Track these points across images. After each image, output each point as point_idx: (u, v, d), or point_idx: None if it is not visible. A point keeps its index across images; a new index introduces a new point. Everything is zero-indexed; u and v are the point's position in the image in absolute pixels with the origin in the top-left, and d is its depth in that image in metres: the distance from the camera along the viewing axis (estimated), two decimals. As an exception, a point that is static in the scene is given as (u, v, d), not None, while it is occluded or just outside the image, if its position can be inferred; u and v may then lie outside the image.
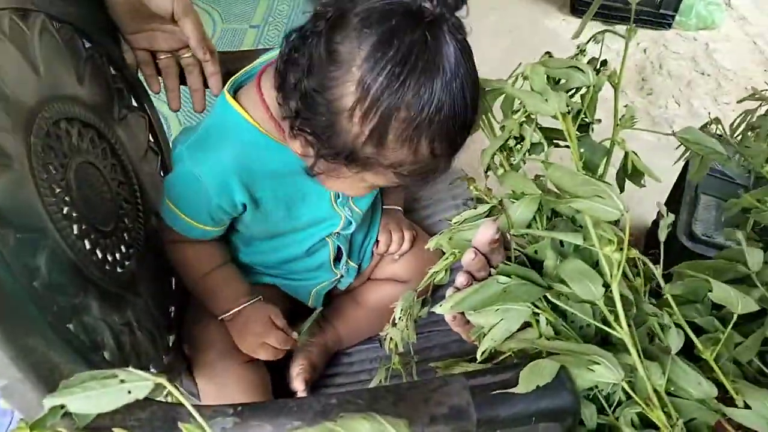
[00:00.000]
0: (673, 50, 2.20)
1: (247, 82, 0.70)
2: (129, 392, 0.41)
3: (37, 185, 0.56)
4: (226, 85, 0.70)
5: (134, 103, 0.81)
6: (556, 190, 0.61)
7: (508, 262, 0.62)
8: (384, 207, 0.89)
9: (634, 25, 2.53)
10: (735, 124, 0.94)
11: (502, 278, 0.57)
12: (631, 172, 0.71)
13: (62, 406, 0.41)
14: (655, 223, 1.53)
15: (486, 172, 0.74)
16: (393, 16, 0.55)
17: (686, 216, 1.21)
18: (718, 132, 0.92)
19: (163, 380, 0.41)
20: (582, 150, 0.66)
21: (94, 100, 0.70)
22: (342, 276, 0.85)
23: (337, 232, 0.79)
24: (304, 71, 0.58)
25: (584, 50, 0.76)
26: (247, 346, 0.74)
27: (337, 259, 0.83)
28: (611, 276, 0.56)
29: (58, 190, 0.59)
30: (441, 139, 0.59)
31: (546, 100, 0.61)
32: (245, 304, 0.76)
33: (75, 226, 0.60)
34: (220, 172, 0.67)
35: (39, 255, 0.51)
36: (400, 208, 0.91)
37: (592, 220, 0.57)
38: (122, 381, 0.41)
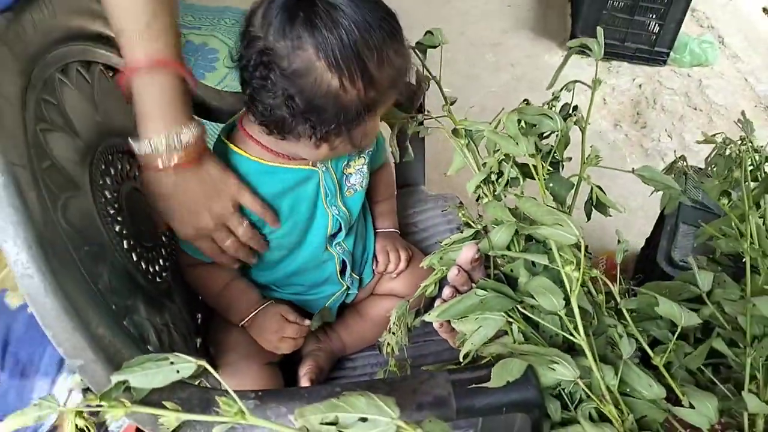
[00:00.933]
0: (668, 86, 2.32)
1: (235, 126, 0.83)
2: (177, 372, 0.53)
3: (97, 208, 0.68)
4: (220, 131, 0.84)
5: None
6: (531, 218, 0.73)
7: (487, 279, 0.73)
8: (379, 231, 0.99)
9: (631, 61, 2.63)
10: (710, 159, 1.04)
11: (480, 291, 0.68)
12: (597, 204, 0.82)
13: (124, 382, 0.52)
14: (644, 249, 1.63)
15: (477, 200, 0.86)
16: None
17: (666, 243, 1.32)
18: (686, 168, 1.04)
19: (204, 363, 0.53)
20: (551, 184, 0.77)
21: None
22: (348, 288, 0.94)
23: (339, 243, 0.89)
24: (289, 105, 0.70)
25: (558, 97, 0.87)
26: (268, 343, 0.84)
27: (343, 271, 0.93)
28: (571, 291, 0.67)
29: (112, 212, 0.71)
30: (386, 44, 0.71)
31: (517, 143, 0.72)
32: (258, 309, 0.86)
33: (125, 242, 0.72)
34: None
35: (101, 263, 0.63)
36: (395, 230, 1.01)
37: (556, 244, 0.68)
38: (172, 363, 0.53)
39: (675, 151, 2.04)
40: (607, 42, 2.70)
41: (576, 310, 0.67)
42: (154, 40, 0.68)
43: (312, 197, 0.85)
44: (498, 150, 0.78)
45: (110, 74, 0.79)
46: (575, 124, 0.82)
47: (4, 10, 0.59)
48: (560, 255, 0.68)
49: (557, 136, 0.78)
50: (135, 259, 0.74)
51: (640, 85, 2.33)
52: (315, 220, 0.87)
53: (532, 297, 0.69)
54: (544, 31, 2.58)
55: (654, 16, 2.29)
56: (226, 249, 0.81)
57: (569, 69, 0.88)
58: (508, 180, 0.79)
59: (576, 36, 2.40)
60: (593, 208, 0.83)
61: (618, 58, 2.39)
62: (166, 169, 0.71)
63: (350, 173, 0.89)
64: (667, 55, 2.36)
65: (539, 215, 0.68)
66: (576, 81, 0.87)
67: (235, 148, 0.80)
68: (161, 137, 0.70)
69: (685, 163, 1.01)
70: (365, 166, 0.90)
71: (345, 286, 0.94)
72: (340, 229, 0.89)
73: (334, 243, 0.90)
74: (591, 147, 0.82)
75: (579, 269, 0.67)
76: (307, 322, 0.87)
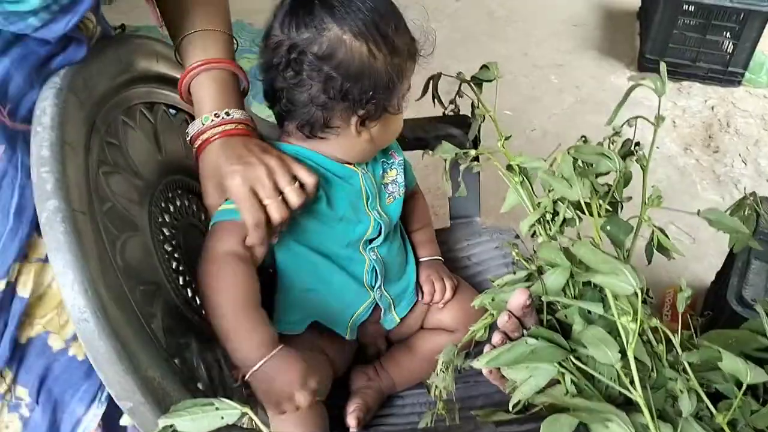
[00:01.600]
0: (742, 108, 2.22)
1: None
2: (222, 418, 0.53)
3: (155, 246, 0.70)
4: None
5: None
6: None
7: (540, 325, 0.71)
8: (422, 260, 0.98)
9: (703, 82, 2.54)
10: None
11: (531, 340, 0.66)
12: (658, 246, 0.79)
13: (172, 426, 0.53)
14: (714, 283, 1.55)
15: (533, 236, 0.84)
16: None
17: (737, 280, 1.25)
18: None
19: (248, 411, 0.54)
20: (609, 227, 0.74)
21: (197, 171, 0.85)
22: (373, 303, 0.90)
23: (373, 249, 0.88)
24: (328, 87, 0.75)
25: (619, 132, 0.84)
26: (271, 399, 0.68)
27: (374, 281, 0.90)
28: (627, 343, 0.64)
29: (169, 249, 0.74)
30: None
31: (571, 186, 0.70)
32: (275, 351, 0.70)
33: (180, 278, 0.74)
34: None
35: (156, 303, 0.65)
36: (437, 257, 1.00)
37: (611, 293, 0.66)
38: (217, 408, 0.54)
39: (749, 178, 1.94)
40: (678, 62, 2.63)
41: (632, 364, 0.64)
42: (210, 45, 0.78)
43: (353, 197, 0.86)
44: (553, 190, 0.76)
45: (173, 113, 0.82)
46: (637, 162, 0.78)
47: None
48: (617, 304, 0.66)
49: (616, 175, 0.75)
50: (189, 294, 0.75)
51: (712, 107, 2.23)
52: (355, 217, 0.87)
53: (586, 347, 0.66)
54: (610, 52, 2.52)
55: (728, 35, 2.20)
56: (267, 197, 0.71)
57: (635, 93, 0.85)
58: (564, 220, 0.77)
59: (644, 56, 2.33)
60: (655, 251, 0.80)
61: (689, 78, 2.30)
62: (216, 137, 0.75)
63: (386, 182, 0.91)
64: (742, 75, 2.26)
65: (595, 262, 0.65)
66: (638, 117, 0.83)
67: (290, 143, 0.83)
68: (211, 115, 0.76)
69: (756, 199, 0.95)
70: (400, 176, 0.93)
71: (372, 298, 0.90)
72: (379, 234, 0.89)
73: (368, 247, 0.89)
74: (653, 186, 0.79)
75: (636, 321, 0.64)
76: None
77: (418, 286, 0.96)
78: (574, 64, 2.48)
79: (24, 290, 0.63)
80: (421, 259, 0.98)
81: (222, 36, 0.80)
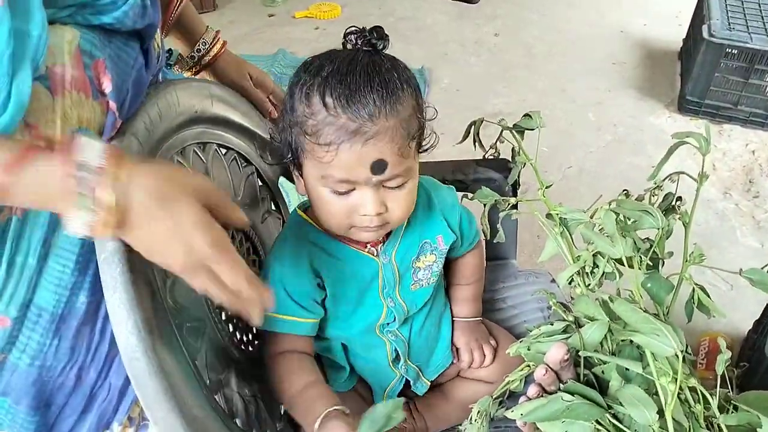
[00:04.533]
0: (785, 152, 2.18)
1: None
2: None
3: (202, 282, 0.72)
4: (297, 205, 0.85)
5: (273, 207, 0.99)
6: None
7: (576, 380, 0.71)
8: (459, 320, 0.93)
9: (744, 125, 2.51)
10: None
11: (567, 396, 0.66)
12: (698, 304, 0.78)
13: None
14: (752, 332, 1.52)
15: (569, 283, 0.84)
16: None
17: (777, 334, 1.22)
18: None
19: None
20: (649, 285, 0.74)
21: (245, 209, 0.87)
22: (403, 376, 0.90)
23: (391, 331, 0.86)
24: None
25: (661, 186, 0.84)
26: None
27: (397, 359, 0.89)
28: (665, 404, 0.64)
29: (214, 284, 0.76)
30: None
31: (613, 242, 0.70)
32: (326, 411, 0.73)
33: (223, 313, 0.76)
34: (295, 258, 0.80)
35: (201, 339, 0.67)
36: (478, 318, 0.94)
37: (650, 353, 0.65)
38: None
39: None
40: (719, 104, 2.61)
41: (670, 426, 0.63)
42: None
43: (365, 284, 0.84)
44: (593, 243, 0.76)
45: (223, 152, 0.85)
46: (679, 219, 0.78)
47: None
48: (656, 364, 0.65)
49: (658, 232, 0.75)
50: (231, 329, 0.77)
51: (753, 151, 2.20)
52: (365, 306, 0.84)
53: (623, 404, 0.66)
54: (650, 91, 2.51)
55: (771, 79, 2.17)
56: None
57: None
58: (603, 273, 0.77)
59: (685, 98, 2.31)
60: (695, 309, 0.79)
61: (730, 121, 2.28)
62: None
63: (419, 267, 0.85)
64: (786, 118, 2.23)
65: (635, 321, 0.65)
66: (680, 173, 0.83)
67: (311, 221, 0.83)
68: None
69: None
70: (437, 264, 0.87)
71: (399, 374, 0.90)
72: (394, 320, 0.86)
73: (385, 330, 0.87)
74: (695, 244, 0.78)
75: (676, 382, 0.64)
76: None
77: (453, 346, 0.94)
78: (612, 102, 2.48)
79: None
80: (457, 319, 0.94)
81: None
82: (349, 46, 0.73)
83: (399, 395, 0.93)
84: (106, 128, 0.61)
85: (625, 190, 0.84)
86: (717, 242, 1.85)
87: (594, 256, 0.78)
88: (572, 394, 0.67)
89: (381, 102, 0.68)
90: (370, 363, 0.89)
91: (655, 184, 0.87)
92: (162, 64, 0.76)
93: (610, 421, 0.66)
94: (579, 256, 0.78)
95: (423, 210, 0.86)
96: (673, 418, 0.65)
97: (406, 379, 0.92)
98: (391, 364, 0.89)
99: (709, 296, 0.78)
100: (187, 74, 0.98)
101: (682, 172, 0.84)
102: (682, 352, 0.64)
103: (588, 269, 0.79)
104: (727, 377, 0.78)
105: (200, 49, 0.95)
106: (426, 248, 0.86)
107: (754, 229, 1.91)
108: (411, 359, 0.90)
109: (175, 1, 0.90)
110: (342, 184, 0.71)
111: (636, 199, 0.82)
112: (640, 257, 0.74)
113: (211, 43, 0.95)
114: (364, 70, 0.69)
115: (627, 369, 0.71)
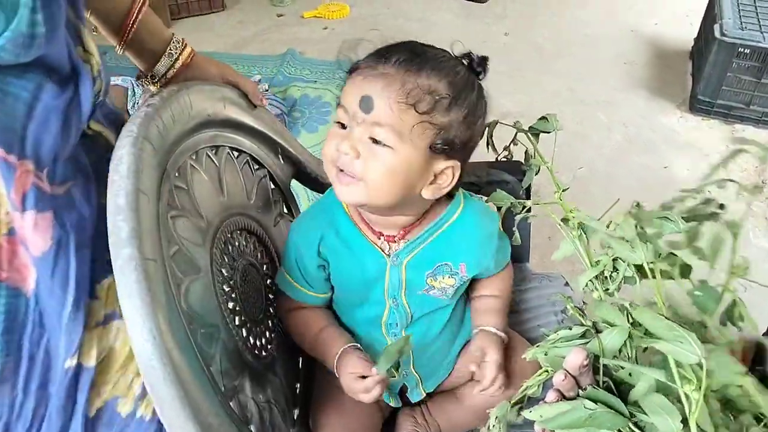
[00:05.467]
0: (799, 153, 2.16)
1: None
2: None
3: (215, 287, 0.71)
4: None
5: (285, 211, 0.98)
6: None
7: (597, 386, 0.69)
8: (488, 329, 0.87)
9: (756, 126, 2.48)
10: None
11: (589, 403, 0.65)
12: (733, 317, 0.76)
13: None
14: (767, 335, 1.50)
15: (584, 287, 0.82)
16: None
17: (795, 337, 1.20)
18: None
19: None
20: (698, 294, 0.71)
21: (257, 212, 0.87)
22: (405, 382, 0.90)
23: (395, 333, 0.86)
24: None
25: (698, 191, 0.80)
26: (346, 385, 0.80)
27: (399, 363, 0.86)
28: (689, 412, 0.63)
29: (227, 289, 0.75)
30: None
31: (633, 249, 0.69)
32: (342, 348, 0.82)
33: (237, 318, 0.75)
34: (309, 232, 0.81)
35: (215, 345, 0.67)
36: (501, 334, 0.87)
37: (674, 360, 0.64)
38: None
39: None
40: (731, 104, 2.59)
41: (694, 434, 0.62)
42: None
43: (371, 279, 0.83)
44: (611, 247, 0.75)
45: (236, 155, 0.84)
46: (729, 229, 0.75)
47: None
48: (679, 372, 0.64)
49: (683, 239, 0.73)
50: (245, 334, 0.77)
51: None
52: (369, 301, 0.85)
53: (644, 411, 0.65)
54: (661, 91, 2.48)
55: (784, 79, 2.15)
56: None
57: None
58: (623, 278, 0.76)
59: (696, 98, 2.29)
60: (731, 320, 0.77)
61: (742, 121, 2.26)
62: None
63: (433, 286, 0.84)
64: (800, 118, 2.20)
65: (658, 329, 0.64)
66: (729, 180, 0.78)
67: (343, 204, 0.84)
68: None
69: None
70: (453, 288, 0.85)
71: (398, 378, 0.89)
72: (396, 322, 0.86)
73: (390, 331, 0.87)
74: (743, 257, 0.75)
75: (700, 389, 0.62)
76: (374, 370, 0.78)
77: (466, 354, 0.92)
78: (622, 102, 2.46)
79: (89, 360, 0.63)
80: (484, 329, 0.88)
81: None
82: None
83: (401, 399, 0.93)
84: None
85: (637, 203, 0.82)
86: (728, 243, 1.83)
87: (614, 260, 0.76)
88: (594, 401, 0.66)
89: (405, 57, 0.72)
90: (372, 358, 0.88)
91: (698, 190, 0.84)
92: (103, 99, 0.67)
93: (631, 429, 0.65)
94: (599, 260, 0.76)
95: (459, 232, 0.84)
96: (698, 425, 0.63)
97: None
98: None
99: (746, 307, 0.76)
100: (153, 88, 0.82)
101: (731, 180, 0.81)
102: (705, 359, 0.62)
103: (607, 273, 0.78)
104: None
105: (167, 64, 0.80)
106: (444, 270, 0.84)
107: (767, 230, 1.89)
108: (415, 368, 0.89)
109: (132, 9, 0.75)
110: (341, 111, 0.75)
111: (670, 202, 0.79)
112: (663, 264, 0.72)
113: (177, 56, 0.80)
114: (432, 48, 0.77)
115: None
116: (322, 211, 0.84)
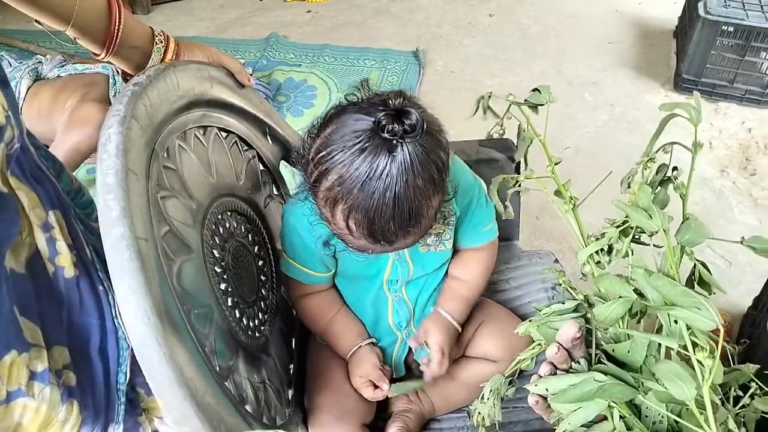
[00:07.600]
0: (781, 130, 2.18)
1: None
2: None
3: (207, 268, 0.71)
4: None
5: (275, 192, 0.97)
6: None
7: (588, 360, 0.70)
8: (443, 312, 0.90)
9: (740, 103, 2.48)
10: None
11: (600, 376, 0.65)
12: (699, 281, 0.77)
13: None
14: (752, 308, 1.52)
15: (582, 265, 0.83)
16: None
17: (780, 309, 1.22)
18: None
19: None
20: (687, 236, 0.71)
21: (247, 193, 0.86)
22: (404, 340, 0.93)
23: (396, 289, 0.89)
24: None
25: (653, 158, 0.82)
26: (354, 381, 0.88)
27: (400, 322, 0.92)
28: (703, 380, 0.63)
29: (219, 270, 0.75)
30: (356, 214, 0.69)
31: (650, 217, 0.69)
32: (357, 347, 0.90)
33: (229, 299, 0.75)
34: (306, 216, 0.80)
35: (209, 325, 0.66)
36: (454, 320, 0.90)
37: (688, 328, 0.64)
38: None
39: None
40: (715, 82, 2.57)
41: (707, 402, 0.62)
42: None
43: None
44: (615, 221, 0.75)
45: (224, 135, 0.83)
46: (675, 191, 0.77)
47: None
48: (691, 339, 0.64)
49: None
50: (238, 316, 0.76)
51: (750, 129, 2.19)
52: (370, 259, 0.86)
53: (649, 380, 0.65)
54: (646, 71, 2.49)
55: (767, 56, 2.16)
56: None
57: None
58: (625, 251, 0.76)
59: (681, 76, 2.30)
60: (695, 285, 0.78)
61: (726, 99, 2.27)
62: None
63: (429, 233, 0.85)
64: (782, 96, 2.22)
65: (673, 296, 0.64)
66: (674, 143, 0.81)
67: None
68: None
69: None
70: (447, 234, 0.88)
71: (400, 337, 0.93)
72: (398, 278, 0.89)
73: (391, 288, 0.89)
74: (690, 214, 0.76)
75: (715, 357, 0.62)
76: (386, 387, 0.87)
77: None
78: (608, 82, 2.46)
79: None
80: (440, 311, 0.91)
81: None
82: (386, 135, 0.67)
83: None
84: None
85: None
86: (715, 221, 1.85)
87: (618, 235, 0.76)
88: (605, 374, 0.66)
89: (403, 228, 0.70)
90: (372, 318, 0.93)
91: (647, 156, 0.85)
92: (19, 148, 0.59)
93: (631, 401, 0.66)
94: (604, 233, 0.77)
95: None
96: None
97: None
98: (392, 324, 0.91)
99: (710, 272, 0.77)
100: None
101: (676, 143, 0.82)
102: (721, 325, 0.62)
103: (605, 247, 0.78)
104: (729, 354, 0.78)
105: (157, 60, 0.75)
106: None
107: (752, 206, 1.91)
108: (416, 326, 0.92)
109: (114, 15, 0.69)
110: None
111: (629, 174, 0.80)
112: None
113: (164, 49, 0.75)
114: (391, 202, 0.67)
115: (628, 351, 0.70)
116: None
